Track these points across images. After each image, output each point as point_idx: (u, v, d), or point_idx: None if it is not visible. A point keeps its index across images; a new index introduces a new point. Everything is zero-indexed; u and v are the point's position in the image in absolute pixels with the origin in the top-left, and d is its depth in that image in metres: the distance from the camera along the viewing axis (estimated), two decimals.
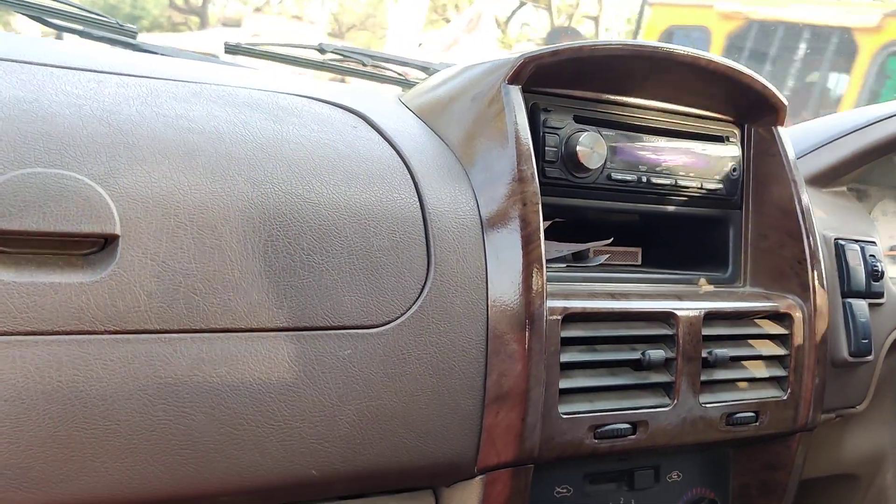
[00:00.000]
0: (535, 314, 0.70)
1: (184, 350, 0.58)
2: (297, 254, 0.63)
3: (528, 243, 0.71)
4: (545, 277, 0.72)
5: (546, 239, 0.89)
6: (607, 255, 0.92)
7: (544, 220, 0.88)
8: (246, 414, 0.60)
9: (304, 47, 1.19)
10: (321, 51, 1.17)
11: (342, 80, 1.31)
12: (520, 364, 0.70)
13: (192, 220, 0.59)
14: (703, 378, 0.82)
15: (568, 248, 0.89)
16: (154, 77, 0.70)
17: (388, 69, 1.15)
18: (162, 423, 0.57)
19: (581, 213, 0.86)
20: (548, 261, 0.88)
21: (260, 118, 0.69)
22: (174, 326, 0.58)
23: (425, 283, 0.68)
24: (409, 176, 0.71)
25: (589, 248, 0.95)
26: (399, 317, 0.67)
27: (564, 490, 0.83)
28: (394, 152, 0.73)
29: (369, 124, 0.76)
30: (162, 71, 0.73)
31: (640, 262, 0.99)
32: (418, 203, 0.70)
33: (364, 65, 1.15)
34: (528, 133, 0.74)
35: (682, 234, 0.98)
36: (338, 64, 1.21)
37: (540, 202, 0.73)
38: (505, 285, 0.71)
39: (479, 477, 0.72)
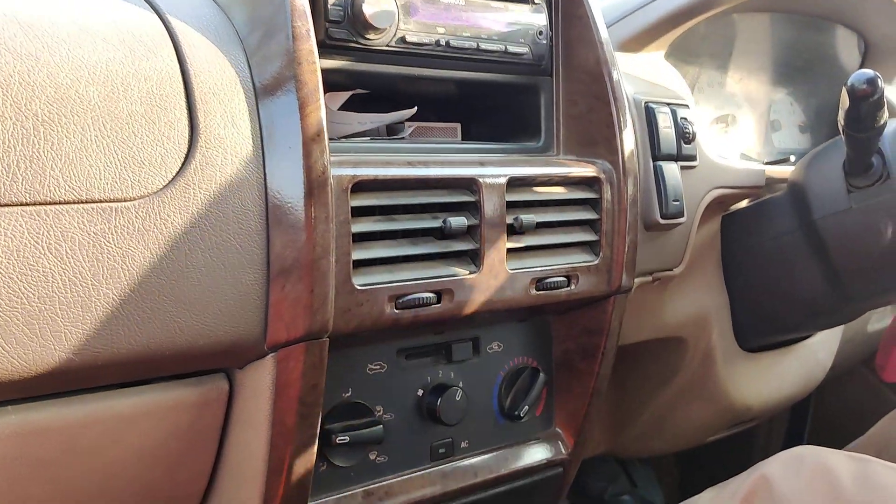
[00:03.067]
0: (317, 181, 0.66)
1: None
2: (29, 120, 0.57)
3: (305, 105, 0.67)
4: (328, 142, 0.67)
5: (351, 111, 0.85)
6: (413, 127, 0.89)
7: (343, 90, 0.84)
8: None
9: None
10: None
11: None
12: (304, 234, 0.66)
13: None
14: (509, 245, 0.81)
15: (371, 120, 0.85)
16: None
17: None
18: None
19: (380, 80, 0.82)
20: (354, 135, 0.85)
21: None
22: None
23: (189, 150, 0.63)
24: (167, 36, 0.65)
25: (403, 123, 0.91)
26: (160, 189, 0.62)
27: (377, 367, 0.82)
28: (155, 16, 0.67)
29: None
30: None
31: (459, 138, 0.97)
32: (178, 63, 0.64)
33: None
34: None
35: (496, 105, 0.96)
36: None
37: (318, 62, 0.68)
38: (282, 152, 0.67)
39: (271, 354, 0.69)
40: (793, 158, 1.24)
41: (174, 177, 0.62)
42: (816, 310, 1.13)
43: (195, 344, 0.65)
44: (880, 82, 0.89)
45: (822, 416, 1.67)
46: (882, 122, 0.92)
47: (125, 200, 0.60)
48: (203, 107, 0.64)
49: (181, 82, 0.64)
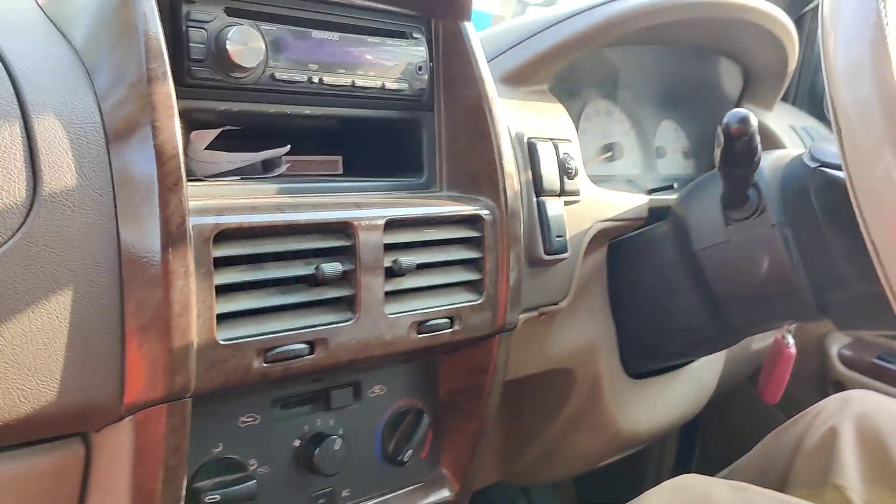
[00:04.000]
0: (175, 233, 0.62)
1: None
2: None
3: (162, 153, 0.62)
4: (187, 191, 0.63)
5: (222, 146, 0.81)
6: (289, 165, 0.86)
7: (215, 126, 0.80)
8: None
9: None
10: None
11: None
12: (161, 291, 0.62)
13: None
14: (388, 288, 0.78)
15: (242, 159, 0.81)
16: None
17: None
18: None
19: (256, 117, 0.79)
20: (223, 174, 0.81)
21: None
22: None
23: (32, 205, 0.58)
24: (5, 73, 0.60)
25: (281, 159, 0.88)
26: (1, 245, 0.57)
27: (250, 419, 0.78)
28: None
29: None
30: None
31: (341, 172, 0.94)
32: (18, 110, 0.59)
33: None
34: (158, 26, 0.64)
35: (379, 140, 0.93)
36: None
37: (175, 106, 0.64)
38: (136, 204, 0.62)
39: (129, 417, 0.64)
40: (676, 185, 1.26)
41: (13, 233, 0.57)
42: (698, 337, 1.15)
43: (43, 411, 0.60)
44: (753, 121, 0.90)
45: (711, 434, 1.71)
46: (756, 158, 0.94)
47: None
48: (46, 156, 0.59)
49: (21, 130, 0.59)
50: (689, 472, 0.97)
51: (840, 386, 1.57)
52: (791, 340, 1.21)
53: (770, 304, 1.04)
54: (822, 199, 0.95)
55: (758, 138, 0.92)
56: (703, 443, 1.70)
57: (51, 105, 0.61)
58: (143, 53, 0.63)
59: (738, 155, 0.93)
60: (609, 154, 1.28)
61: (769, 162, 1.03)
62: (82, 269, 0.60)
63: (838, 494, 0.98)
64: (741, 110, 0.91)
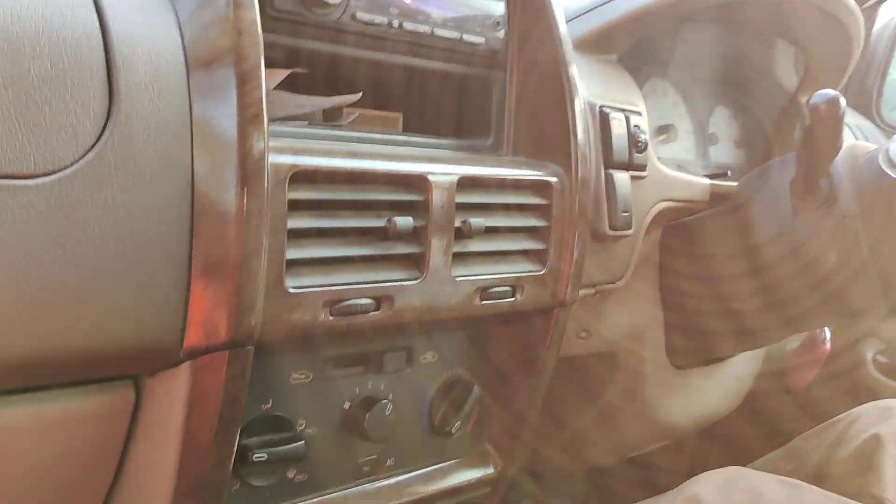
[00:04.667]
0: (252, 169, 0.58)
1: None
2: None
3: (245, 82, 0.58)
4: (267, 126, 0.59)
5: (288, 91, 0.77)
6: (356, 115, 0.81)
7: (284, 66, 0.75)
8: None
9: None
10: None
11: None
12: (233, 229, 0.58)
13: None
14: (456, 249, 0.74)
15: (311, 103, 0.77)
16: None
17: None
18: None
19: (326, 60, 0.74)
20: (289, 117, 0.76)
21: None
22: None
23: (106, 124, 0.54)
24: None
25: (342, 109, 0.83)
26: (69, 165, 0.52)
27: (302, 376, 0.74)
28: None
29: None
30: None
31: (400, 129, 0.90)
32: (98, 25, 0.55)
33: None
34: None
35: (444, 98, 0.89)
36: None
37: (261, 34, 0.59)
38: (214, 132, 0.58)
39: (187, 363, 0.60)
40: (729, 173, 1.22)
41: (86, 152, 0.53)
42: (750, 329, 1.11)
43: (100, 347, 0.56)
44: (842, 103, 0.86)
45: (739, 432, 1.67)
46: (838, 144, 0.90)
47: (28, 177, 0.51)
48: (124, 74, 0.55)
49: (101, 44, 0.55)
50: (714, 468, 0.93)
51: (873, 393, 1.53)
52: (828, 336, 1.18)
53: (833, 300, 1.00)
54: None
55: (843, 123, 0.88)
56: (722, 440, 1.67)
57: (130, 22, 0.57)
58: None
59: (821, 138, 0.89)
60: (664, 136, 1.24)
61: (843, 152, 0.99)
62: (153, 199, 0.56)
63: None
64: (830, 90, 0.87)
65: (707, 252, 1.08)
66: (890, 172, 0.92)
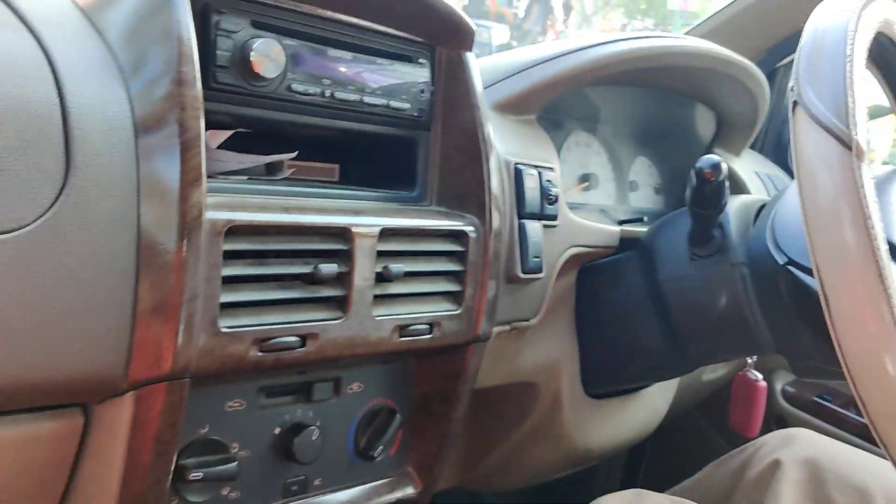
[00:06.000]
0: (192, 224, 0.68)
1: None
2: None
3: (186, 150, 0.68)
4: (205, 187, 0.69)
5: (231, 150, 0.86)
6: (293, 170, 0.91)
7: (227, 128, 0.85)
8: None
9: None
10: None
11: None
12: (174, 276, 0.67)
13: None
14: (376, 292, 0.84)
15: (251, 161, 0.87)
16: None
17: None
18: None
19: (266, 125, 0.84)
20: (229, 172, 0.86)
21: None
22: None
23: (63, 186, 0.63)
24: (49, 70, 0.65)
25: (283, 163, 0.93)
26: (29, 224, 0.61)
27: (237, 404, 0.83)
28: (35, 43, 0.66)
29: (12, 11, 0.68)
30: None
31: (337, 179, 0.99)
32: (58, 99, 0.64)
33: None
34: (192, 33, 0.70)
35: (376, 153, 0.99)
36: None
37: (202, 108, 0.69)
38: (159, 194, 0.67)
39: (131, 392, 0.69)
40: (646, 219, 1.34)
41: (44, 212, 0.62)
42: (657, 363, 1.22)
43: (53, 378, 0.64)
44: (724, 167, 0.98)
45: (657, 458, 1.79)
46: (723, 201, 1.02)
47: None
48: (80, 144, 0.64)
49: (60, 117, 0.64)
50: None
51: (782, 421, 1.65)
52: (759, 374, 1.29)
53: (726, 337, 1.11)
54: (791, 293, 1.00)
55: (727, 184, 1.00)
56: (649, 464, 1.78)
57: (86, 93, 0.66)
58: (177, 57, 0.68)
59: (707, 197, 1.00)
60: (586, 184, 1.35)
61: (735, 205, 1.11)
62: (103, 250, 0.65)
63: None
64: (714, 157, 0.99)
65: (616, 291, 1.19)
66: (777, 257, 1.00)
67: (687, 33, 1.76)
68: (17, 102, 0.62)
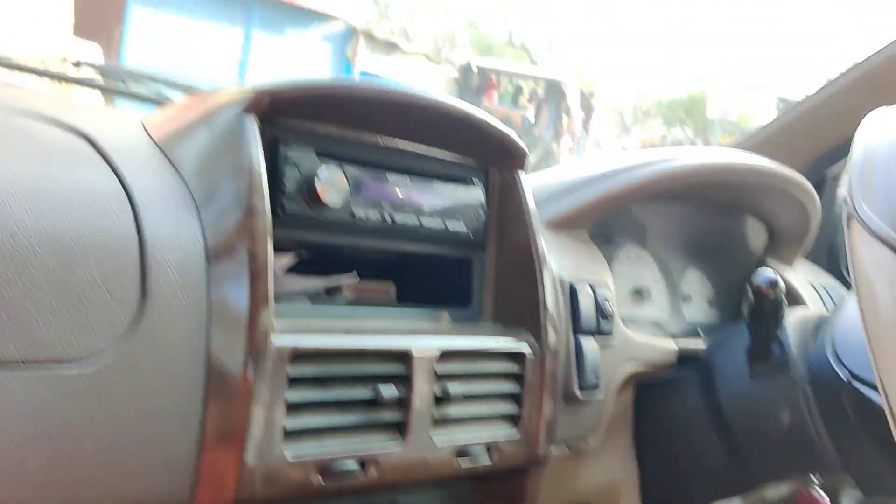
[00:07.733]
0: (260, 352, 0.69)
1: None
2: None
3: (256, 278, 0.70)
4: (273, 313, 0.70)
5: (294, 273, 0.88)
6: (353, 292, 0.93)
7: (292, 251, 0.87)
8: None
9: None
10: (76, 64, 1.11)
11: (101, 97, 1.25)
12: (241, 405, 0.68)
13: None
14: (435, 416, 0.84)
15: (313, 284, 0.89)
16: None
17: (145, 86, 1.11)
18: None
19: (329, 249, 0.86)
20: (292, 294, 0.88)
21: None
22: None
23: (140, 317, 0.65)
24: (128, 204, 0.68)
25: (342, 285, 0.95)
26: (106, 353, 0.63)
27: None
28: (115, 179, 0.70)
29: (95, 147, 0.72)
30: None
31: (393, 297, 1.01)
32: (136, 233, 0.67)
33: (121, 81, 1.10)
34: (263, 165, 0.73)
35: (432, 272, 1.00)
36: (93, 79, 1.15)
37: (270, 237, 0.71)
38: (229, 322, 0.69)
39: None
40: (701, 331, 1.32)
41: (121, 342, 0.64)
42: (718, 482, 1.18)
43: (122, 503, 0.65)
44: (781, 283, 0.98)
45: None
46: (781, 316, 1.01)
47: (71, 363, 0.61)
48: (156, 274, 0.67)
49: (137, 250, 0.66)
50: None
51: None
52: (823, 494, 1.24)
53: (790, 456, 1.08)
54: (856, 410, 0.98)
55: (784, 300, 0.99)
56: None
57: (163, 229, 0.69)
58: (247, 188, 0.71)
59: (765, 313, 0.99)
60: (639, 298, 1.35)
61: (793, 320, 1.10)
62: (175, 380, 0.66)
63: None
64: (770, 272, 0.98)
65: (676, 409, 1.17)
66: (839, 371, 0.99)
67: (735, 147, 1.78)
68: (98, 236, 0.65)
